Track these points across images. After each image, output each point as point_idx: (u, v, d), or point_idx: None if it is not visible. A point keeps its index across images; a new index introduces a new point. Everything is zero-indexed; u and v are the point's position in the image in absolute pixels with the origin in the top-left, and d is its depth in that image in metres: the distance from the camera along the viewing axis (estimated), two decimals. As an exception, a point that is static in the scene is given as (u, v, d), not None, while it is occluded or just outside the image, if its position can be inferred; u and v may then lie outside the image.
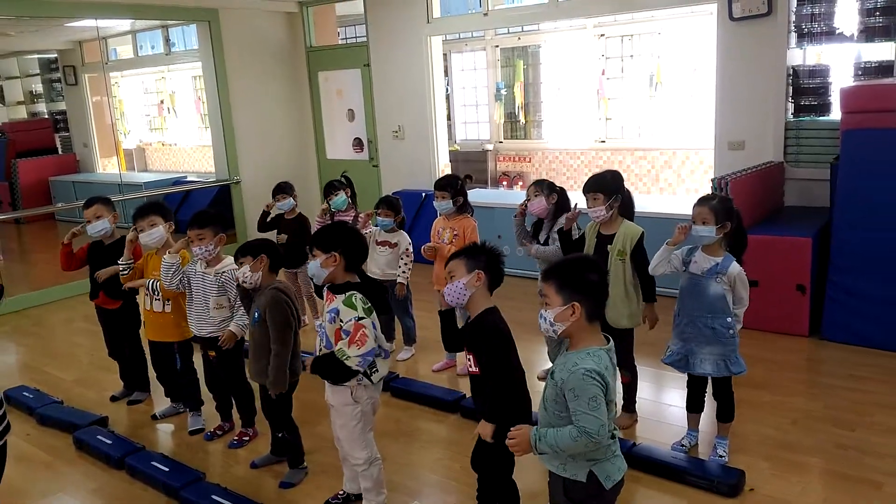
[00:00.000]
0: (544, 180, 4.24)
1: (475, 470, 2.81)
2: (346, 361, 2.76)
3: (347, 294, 2.80)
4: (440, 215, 4.57)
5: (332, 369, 2.82)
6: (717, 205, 3.23)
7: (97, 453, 3.80)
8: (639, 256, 3.56)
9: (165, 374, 4.18)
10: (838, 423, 3.71)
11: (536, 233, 4.22)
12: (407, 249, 4.65)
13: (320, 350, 2.92)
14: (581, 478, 2.21)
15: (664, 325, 4.17)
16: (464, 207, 4.53)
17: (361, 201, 5.68)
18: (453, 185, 4.51)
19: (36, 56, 9.87)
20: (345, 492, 3.23)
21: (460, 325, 2.82)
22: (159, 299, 3.87)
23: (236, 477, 3.55)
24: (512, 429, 2.26)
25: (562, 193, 4.17)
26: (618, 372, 3.64)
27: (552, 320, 2.18)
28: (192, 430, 4.04)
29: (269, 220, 5.42)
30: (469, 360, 2.65)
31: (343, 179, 5.37)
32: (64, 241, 4.20)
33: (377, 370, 2.90)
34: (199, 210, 3.78)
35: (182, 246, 3.69)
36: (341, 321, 2.78)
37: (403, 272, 4.65)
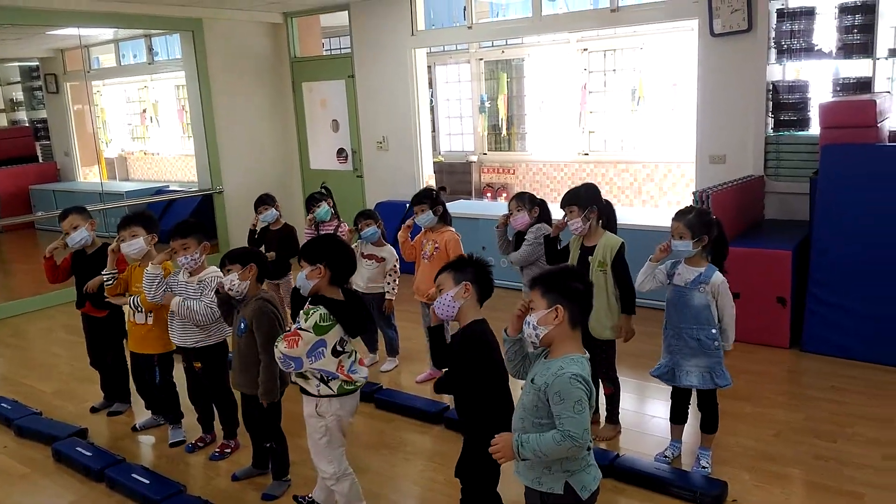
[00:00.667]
0: (525, 193, 4.27)
1: (459, 478, 2.81)
2: (274, 347, 2.80)
3: (314, 306, 2.81)
4: (423, 229, 4.58)
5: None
6: (693, 219, 3.26)
7: (76, 465, 3.75)
8: (619, 267, 3.59)
9: (145, 386, 4.14)
10: (819, 434, 3.74)
11: (518, 244, 4.24)
12: (394, 266, 4.68)
13: None
14: (558, 490, 2.20)
15: (646, 336, 4.21)
16: (444, 217, 4.54)
17: (344, 211, 5.66)
18: (429, 196, 4.53)
19: (17, 64, 9.79)
20: (311, 497, 3.21)
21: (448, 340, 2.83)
22: (141, 311, 3.83)
23: (218, 489, 3.52)
24: (496, 436, 2.26)
25: (542, 206, 4.23)
26: (601, 383, 3.69)
27: (535, 324, 2.20)
28: (173, 442, 4.00)
29: (256, 235, 5.36)
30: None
31: (323, 190, 5.36)
32: (45, 255, 4.13)
33: (333, 379, 2.86)
34: (181, 220, 3.76)
35: (165, 258, 3.65)
36: (297, 323, 2.81)
37: (392, 289, 4.67)
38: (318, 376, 2.85)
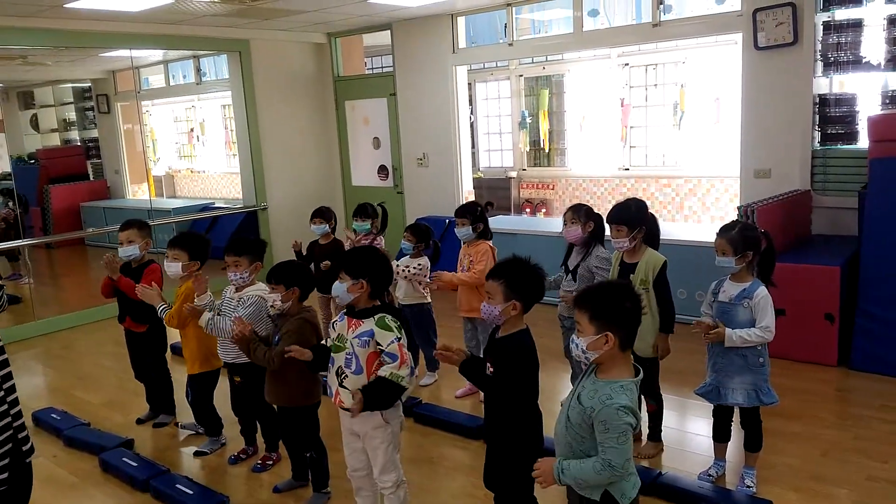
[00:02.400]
0: (582, 206, 4.08)
1: (489, 488, 2.84)
2: (401, 383, 2.75)
3: (379, 316, 2.81)
4: (463, 243, 4.60)
5: (386, 395, 2.79)
6: (736, 235, 3.22)
7: (122, 475, 3.83)
8: (660, 286, 3.55)
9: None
10: (870, 454, 3.64)
11: (567, 257, 4.17)
12: (424, 265, 4.71)
13: (338, 370, 2.88)
14: (595, 497, 2.20)
15: (687, 353, 4.16)
16: (483, 234, 4.55)
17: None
18: (472, 212, 4.54)
19: (70, 85, 10.11)
20: None
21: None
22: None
23: (259, 501, 3.56)
24: (538, 461, 2.28)
25: (598, 221, 4.02)
26: (643, 400, 3.65)
27: (584, 347, 2.16)
28: (199, 450, 4.10)
29: (305, 251, 5.42)
30: (487, 362, 2.70)
31: (378, 208, 5.35)
32: (110, 276, 4.16)
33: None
34: (239, 236, 3.80)
35: (202, 290, 3.65)
36: (378, 343, 2.78)
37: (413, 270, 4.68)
38: None
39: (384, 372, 2.75)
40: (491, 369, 2.67)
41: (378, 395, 2.76)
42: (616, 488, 2.19)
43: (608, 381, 2.16)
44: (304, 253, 5.38)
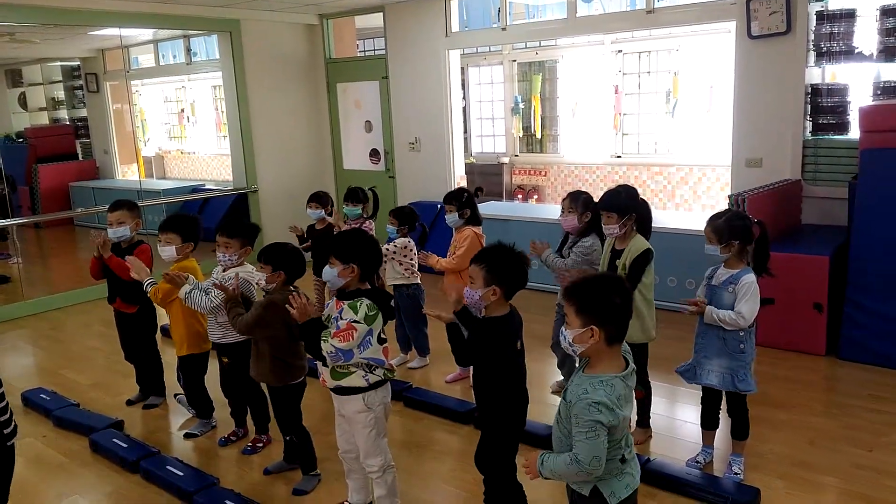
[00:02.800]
0: (581, 194, 4.05)
1: (480, 471, 2.89)
2: (322, 342, 2.79)
3: (355, 300, 2.84)
4: (453, 230, 4.63)
5: (312, 337, 2.84)
6: (722, 224, 3.24)
7: (112, 456, 3.83)
8: (632, 268, 3.50)
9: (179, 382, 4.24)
10: (856, 442, 3.68)
11: (563, 244, 4.17)
12: (404, 245, 4.72)
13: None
14: (584, 492, 2.21)
15: (678, 340, 4.18)
16: (471, 220, 4.55)
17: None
18: (458, 199, 4.56)
19: (59, 63, 10.00)
20: (350, 503, 3.23)
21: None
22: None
23: (250, 483, 3.56)
24: (529, 453, 2.31)
25: (597, 212, 3.92)
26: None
27: (571, 340, 2.15)
28: (189, 432, 4.11)
29: (306, 234, 5.40)
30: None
31: (369, 192, 5.35)
32: (95, 256, 4.15)
33: (376, 367, 2.90)
34: (233, 218, 3.81)
35: (181, 282, 3.62)
36: (341, 318, 2.81)
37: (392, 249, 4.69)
38: (364, 368, 2.86)
39: (325, 331, 2.81)
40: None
41: (307, 330, 2.86)
42: (605, 485, 2.18)
43: (590, 376, 2.15)
44: (305, 236, 5.37)
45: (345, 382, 2.89)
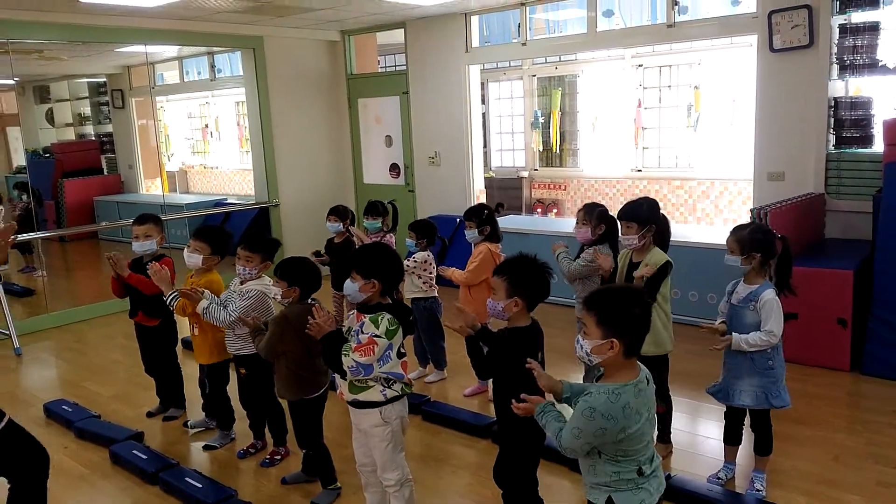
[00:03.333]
0: (596, 206, 4.06)
1: (498, 485, 2.88)
2: (343, 356, 2.78)
3: (376, 314, 2.84)
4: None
5: (332, 351, 2.84)
6: (746, 235, 3.21)
7: (132, 468, 3.85)
8: (653, 279, 3.47)
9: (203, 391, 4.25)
10: (881, 459, 3.61)
11: (577, 256, 4.16)
12: (423, 259, 4.73)
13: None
14: (599, 502, 2.19)
15: (698, 355, 4.13)
16: (490, 236, 4.56)
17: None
18: (479, 215, 4.57)
19: (85, 80, 10.17)
20: None
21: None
22: (189, 324, 3.94)
23: (267, 495, 3.57)
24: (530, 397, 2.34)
25: (611, 225, 3.99)
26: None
27: (588, 350, 2.14)
28: (208, 444, 4.12)
29: (325, 249, 5.44)
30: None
31: (389, 206, 5.37)
32: (113, 276, 4.18)
33: (395, 381, 2.89)
34: (255, 232, 3.84)
35: (196, 297, 3.64)
36: (362, 332, 2.81)
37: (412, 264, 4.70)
38: (382, 382, 2.86)
39: (347, 344, 2.81)
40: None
41: (328, 344, 2.86)
42: (619, 497, 2.17)
43: (602, 385, 2.16)
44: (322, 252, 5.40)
45: (362, 396, 2.88)
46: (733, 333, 3.18)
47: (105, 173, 10.13)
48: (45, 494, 2.80)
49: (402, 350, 2.91)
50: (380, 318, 2.81)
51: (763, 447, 3.37)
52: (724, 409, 3.46)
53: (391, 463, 2.96)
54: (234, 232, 6.73)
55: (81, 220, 9.49)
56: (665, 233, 3.67)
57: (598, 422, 2.07)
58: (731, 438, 3.49)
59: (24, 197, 7.74)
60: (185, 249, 3.91)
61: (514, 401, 2.35)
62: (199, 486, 3.55)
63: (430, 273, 4.73)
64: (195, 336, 3.99)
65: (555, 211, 9.76)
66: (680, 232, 6.18)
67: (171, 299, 3.76)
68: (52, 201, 9.42)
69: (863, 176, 5.44)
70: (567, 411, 2.25)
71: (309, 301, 3.37)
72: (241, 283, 3.70)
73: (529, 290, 2.67)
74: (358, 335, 2.82)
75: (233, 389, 4.07)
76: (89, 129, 10.38)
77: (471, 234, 4.56)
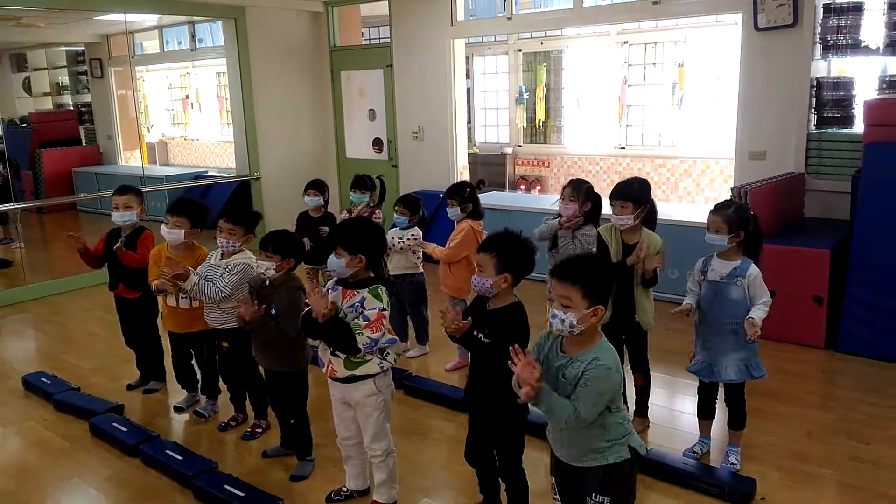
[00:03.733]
0: (583, 183, 4.03)
1: (470, 463, 2.94)
2: (357, 335, 2.78)
3: (373, 287, 2.86)
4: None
5: (340, 336, 2.81)
6: (732, 214, 3.23)
7: (112, 440, 3.84)
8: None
9: (185, 366, 4.22)
10: (853, 435, 3.69)
11: (554, 239, 4.16)
12: (416, 235, 4.72)
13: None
14: (626, 455, 2.27)
15: (675, 332, 4.18)
16: (472, 214, 4.55)
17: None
18: (461, 193, 4.55)
19: (64, 48, 9.99)
20: (348, 489, 3.25)
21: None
22: (186, 297, 3.86)
23: (248, 468, 3.58)
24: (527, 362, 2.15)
25: (596, 202, 4.02)
26: (631, 374, 3.67)
27: (573, 322, 2.17)
28: (198, 410, 4.14)
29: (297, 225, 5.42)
30: (479, 334, 2.69)
31: (377, 180, 5.33)
32: (79, 250, 4.18)
33: (388, 353, 2.96)
34: (237, 205, 3.80)
35: (186, 274, 3.53)
36: (364, 308, 2.81)
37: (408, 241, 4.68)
38: (377, 354, 2.89)
39: (353, 322, 2.80)
40: (485, 340, 2.68)
41: (333, 331, 2.81)
42: (634, 440, 2.30)
43: (587, 350, 2.22)
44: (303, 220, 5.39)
45: (360, 371, 2.90)
46: (753, 316, 3.17)
47: (83, 144, 9.99)
48: None
49: (390, 320, 2.95)
50: (379, 291, 2.85)
51: (737, 422, 3.43)
52: (698, 385, 3.51)
53: (381, 433, 3.00)
54: (215, 205, 6.69)
55: (59, 191, 9.37)
56: (653, 213, 3.69)
57: (614, 377, 2.19)
58: (705, 413, 3.55)
59: (1, 167, 7.62)
60: (164, 226, 3.86)
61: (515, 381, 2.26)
62: (180, 458, 3.56)
63: (421, 248, 4.74)
64: (189, 309, 3.90)
65: (538, 188, 9.77)
66: (662, 210, 6.18)
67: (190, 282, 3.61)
68: (29, 172, 9.28)
69: (843, 156, 5.49)
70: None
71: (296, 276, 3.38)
72: (223, 256, 3.67)
73: (517, 266, 2.67)
74: (358, 311, 2.81)
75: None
76: (67, 99, 10.21)
77: (453, 211, 4.54)
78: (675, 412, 4.11)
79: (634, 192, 3.56)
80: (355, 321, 2.81)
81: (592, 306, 2.18)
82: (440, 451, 3.73)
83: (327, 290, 2.98)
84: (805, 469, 3.39)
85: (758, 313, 3.19)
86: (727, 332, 3.27)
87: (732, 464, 3.38)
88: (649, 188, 3.67)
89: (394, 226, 4.77)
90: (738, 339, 3.25)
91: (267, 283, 3.36)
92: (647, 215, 3.62)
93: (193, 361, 4.22)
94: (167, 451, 3.62)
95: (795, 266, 4.72)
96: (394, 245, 4.65)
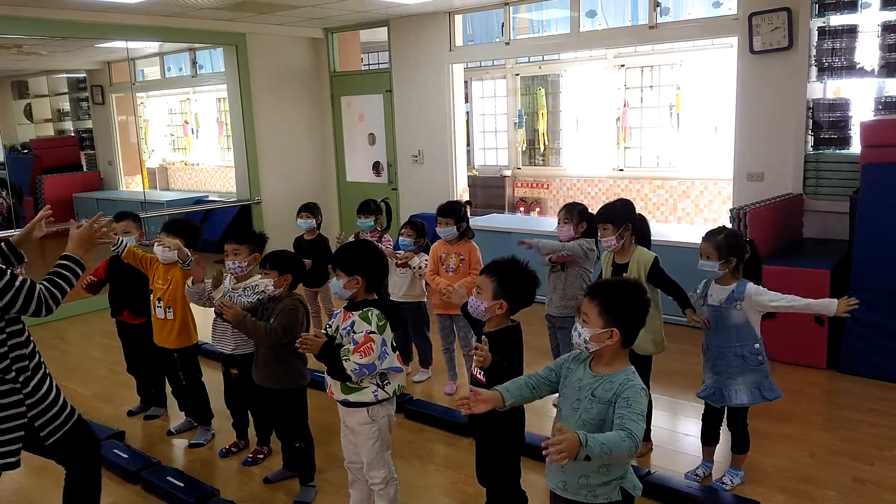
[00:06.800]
0: (577, 205, 4.13)
1: (482, 483, 2.90)
2: (344, 362, 2.77)
3: (364, 309, 2.85)
4: (440, 240, 4.59)
5: (333, 362, 2.82)
6: (722, 241, 3.25)
7: (113, 467, 3.82)
8: (658, 278, 3.57)
9: (175, 383, 4.24)
10: (857, 456, 3.68)
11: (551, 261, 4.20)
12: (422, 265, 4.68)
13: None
14: (616, 497, 2.22)
15: (679, 354, 4.18)
16: (465, 233, 4.57)
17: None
18: (456, 212, 4.54)
19: (65, 75, 10.06)
20: None
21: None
22: (161, 307, 3.94)
23: (250, 494, 3.56)
24: (557, 435, 1.98)
25: (592, 222, 4.02)
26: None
27: (588, 338, 2.19)
28: (193, 442, 4.11)
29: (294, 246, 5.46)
30: (479, 371, 2.68)
31: (381, 204, 5.34)
32: (85, 286, 4.20)
33: (389, 382, 2.91)
34: (240, 227, 3.85)
35: (200, 278, 3.69)
36: (354, 332, 2.82)
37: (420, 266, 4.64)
38: (376, 382, 2.86)
39: (343, 347, 2.80)
40: (482, 378, 2.68)
41: (327, 356, 2.82)
42: (628, 483, 2.23)
43: (618, 371, 2.19)
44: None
45: (353, 397, 2.88)
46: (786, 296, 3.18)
47: (84, 170, 10.02)
48: (100, 480, 2.99)
49: (395, 344, 2.93)
50: (369, 314, 2.83)
51: (740, 445, 3.42)
52: (703, 410, 3.50)
53: (378, 461, 2.97)
54: (217, 229, 6.70)
55: (61, 216, 9.27)
56: (646, 232, 3.74)
57: (647, 399, 2.16)
58: (709, 439, 3.54)
59: (3, 193, 7.65)
60: (157, 245, 3.91)
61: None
62: (181, 485, 3.54)
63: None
64: (165, 321, 3.96)
65: (537, 210, 9.80)
66: (660, 231, 6.23)
67: (189, 263, 3.76)
68: (31, 198, 9.31)
69: (840, 177, 5.52)
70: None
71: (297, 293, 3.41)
72: (237, 279, 3.67)
73: (516, 295, 2.69)
74: (350, 334, 2.82)
75: (215, 391, 4.05)
76: (68, 125, 10.27)
77: (447, 231, 4.49)
78: (678, 434, 4.10)
79: (613, 214, 3.62)
80: (346, 347, 2.81)
81: (608, 327, 2.16)
82: (443, 475, 3.72)
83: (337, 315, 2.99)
84: (808, 491, 3.37)
85: (784, 303, 3.19)
86: (731, 356, 3.27)
87: (723, 483, 3.39)
88: (632, 208, 3.71)
89: (396, 247, 4.77)
90: (745, 363, 3.25)
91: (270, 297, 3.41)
92: (640, 234, 3.67)
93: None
94: (168, 478, 3.61)
95: (796, 286, 4.67)
96: (415, 270, 4.62)
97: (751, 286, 3.24)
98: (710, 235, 3.31)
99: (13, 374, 2.58)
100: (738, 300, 3.23)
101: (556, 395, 2.36)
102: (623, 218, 3.60)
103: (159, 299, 3.95)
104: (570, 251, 3.98)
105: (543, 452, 1.95)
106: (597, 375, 2.22)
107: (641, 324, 2.23)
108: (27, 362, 2.64)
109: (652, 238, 3.81)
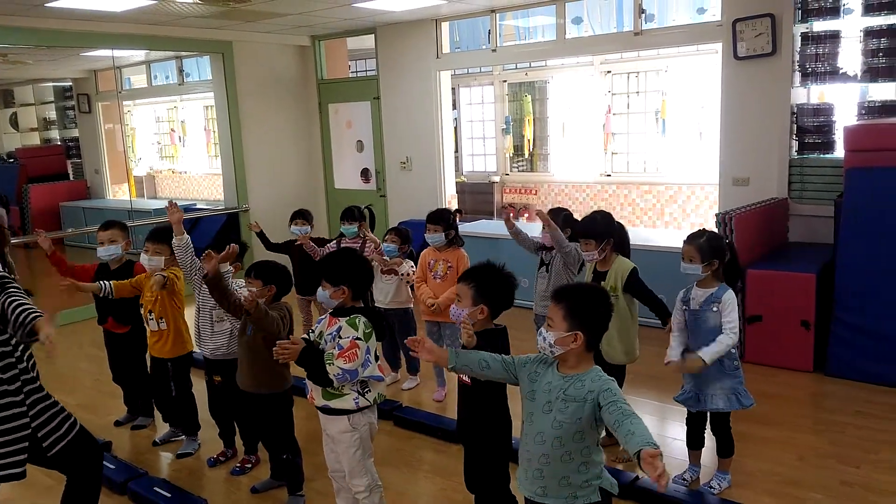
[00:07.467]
0: (561, 210, 4.21)
1: (471, 490, 2.90)
2: (328, 366, 2.76)
3: (352, 316, 2.85)
4: (430, 247, 4.60)
5: (315, 365, 2.80)
6: (704, 244, 3.27)
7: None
8: (636, 287, 3.62)
9: (162, 394, 4.20)
10: (844, 459, 3.69)
11: (542, 259, 4.25)
12: (409, 272, 4.69)
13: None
14: (596, 498, 2.25)
15: (662, 357, 4.19)
16: (454, 240, 4.57)
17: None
18: (445, 219, 4.55)
19: (51, 84, 10.03)
20: None
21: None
22: (153, 318, 3.93)
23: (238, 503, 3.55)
24: (653, 460, 1.92)
25: (576, 227, 4.06)
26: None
27: (552, 342, 2.21)
28: (181, 453, 4.09)
29: (281, 242, 5.47)
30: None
31: (365, 211, 5.34)
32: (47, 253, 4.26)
33: (370, 390, 2.90)
34: (229, 235, 3.82)
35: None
36: (340, 337, 2.81)
37: (408, 273, 4.65)
38: (357, 390, 2.86)
39: (327, 352, 2.79)
40: (467, 380, 2.70)
41: (309, 360, 2.80)
42: (605, 482, 2.27)
43: (587, 371, 2.22)
44: (281, 244, 5.45)
45: (334, 404, 2.88)
46: (702, 355, 3.16)
47: (71, 178, 9.98)
48: (100, 486, 2.94)
49: (379, 353, 2.93)
50: (357, 321, 2.83)
51: (725, 449, 3.44)
52: (686, 416, 3.52)
53: (359, 469, 2.96)
54: (205, 237, 6.70)
55: (47, 226, 9.28)
56: (624, 241, 3.80)
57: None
58: (694, 443, 3.55)
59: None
60: (143, 254, 3.91)
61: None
62: (169, 495, 3.52)
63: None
64: (158, 332, 3.95)
65: (525, 216, 9.82)
66: (647, 236, 6.26)
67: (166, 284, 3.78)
68: (16, 207, 9.26)
69: (825, 181, 5.57)
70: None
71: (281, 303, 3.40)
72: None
73: (494, 298, 2.71)
74: (335, 339, 2.82)
75: (200, 398, 4.04)
76: (55, 134, 10.23)
77: (436, 238, 4.50)
78: (665, 439, 4.10)
79: (594, 229, 3.67)
80: (330, 351, 2.80)
81: (572, 330, 2.18)
82: (432, 482, 3.71)
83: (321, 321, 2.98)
84: (796, 494, 3.39)
85: (715, 346, 3.15)
86: None
87: (711, 487, 3.40)
88: (611, 220, 3.77)
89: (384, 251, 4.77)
90: (721, 368, 3.26)
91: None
92: (619, 243, 3.73)
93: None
94: (156, 489, 3.58)
95: (782, 290, 4.76)
96: (404, 277, 4.63)
97: (729, 295, 3.25)
98: (692, 238, 3.33)
99: (18, 384, 2.58)
100: (715, 303, 3.25)
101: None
102: (604, 232, 3.66)
103: (150, 311, 3.93)
104: (567, 249, 4.00)
105: (659, 484, 1.89)
106: (566, 376, 2.24)
107: (605, 328, 2.27)
108: (32, 374, 2.63)
109: (641, 243, 3.87)
